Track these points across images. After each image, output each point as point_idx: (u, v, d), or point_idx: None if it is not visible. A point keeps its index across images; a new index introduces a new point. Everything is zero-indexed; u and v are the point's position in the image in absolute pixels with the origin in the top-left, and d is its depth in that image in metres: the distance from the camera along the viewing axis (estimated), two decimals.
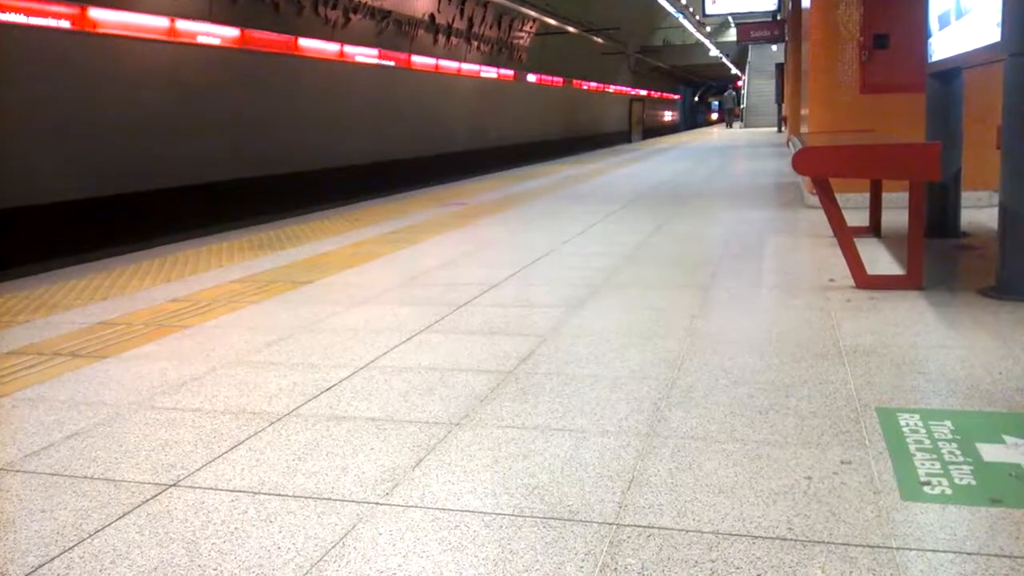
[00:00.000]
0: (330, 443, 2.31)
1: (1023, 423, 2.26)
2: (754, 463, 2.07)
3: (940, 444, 2.13)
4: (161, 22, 12.95)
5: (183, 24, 13.37)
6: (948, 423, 2.27)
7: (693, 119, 76.73)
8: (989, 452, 2.07)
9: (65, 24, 11.29)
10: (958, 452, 2.08)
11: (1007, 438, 2.15)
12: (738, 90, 50.90)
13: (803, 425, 2.30)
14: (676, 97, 69.44)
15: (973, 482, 1.92)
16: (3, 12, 10.40)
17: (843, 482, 1.94)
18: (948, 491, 1.88)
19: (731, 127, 40.99)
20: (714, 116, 77.45)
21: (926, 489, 1.89)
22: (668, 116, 66.24)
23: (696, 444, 2.20)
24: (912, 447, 2.12)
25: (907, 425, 2.27)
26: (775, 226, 6.37)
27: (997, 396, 2.47)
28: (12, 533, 1.86)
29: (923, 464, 2.02)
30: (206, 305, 4.15)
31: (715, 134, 31.71)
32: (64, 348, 3.41)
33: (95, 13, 11.72)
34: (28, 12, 10.75)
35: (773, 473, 2.01)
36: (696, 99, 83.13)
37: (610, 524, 1.79)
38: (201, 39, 13.83)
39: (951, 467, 2.00)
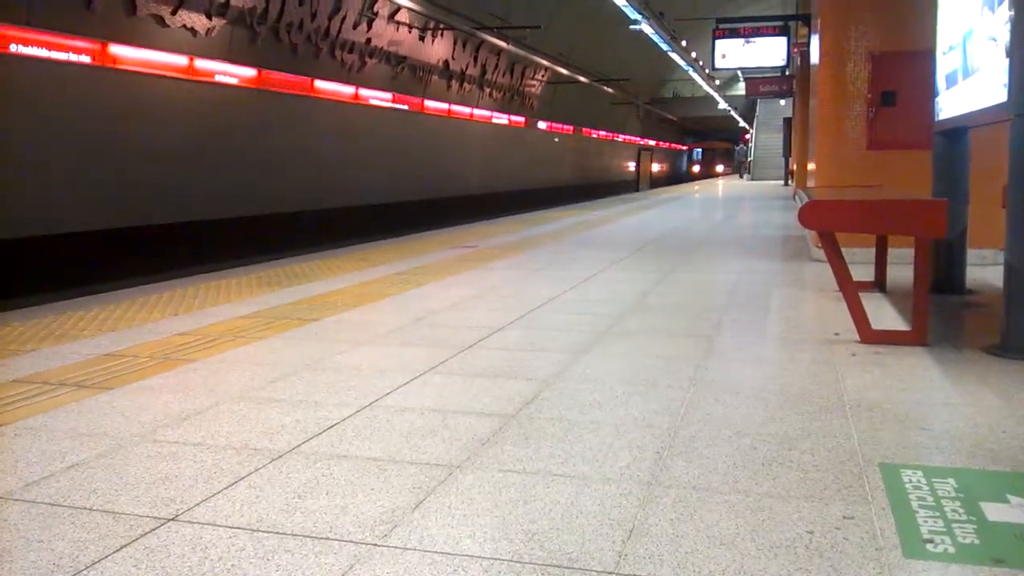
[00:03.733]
0: (330, 482, 2.30)
1: None
2: (756, 515, 2.05)
3: (943, 502, 2.12)
4: (180, 60, 13.18)
5: (202, 63, 13.61)
6: (951, 481, 2.26)
7: (702, 169, 71.03)
8: (993, 511, 2.06)
9: (86, 59, 11.50)
10: (961, 510, 2.07)
11: (1011, 498, 2.14)
12: (746, 143, 51.24)
13: (806, 479, 2.29)
14: (684, 148, 68.62)
15: (976, 541, 1.90)
16: (26, 46, 10.61)
17: (845, 537, 1.93)
18: (951, 550, 1.86)
19: (742, 177, 41.59)
20: (695, 168, 65.82)
21: (929, 547, 1.88)
22: (676, 166, 64.07)
23: (698, 494, 2.19)
24: (915, 504, 2.11)
25: (910, 482, 2.25)
26: (780, 278, 6.39)
27: (1001, 455, 2.46)
28: (8, 563, 1.85)
29: (926, 521, 2.01)
30: (213, 340, 4.17)
31: (720, 186, 31.91)
32: (69, 378, 3.42)
33: (115, 49, 11.94)
34: (50, 47, 10.96)
35: (775, 526, 1.99)
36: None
37: (610, 573, 1.78)
38: (219, 78, 14.07)
39: (954, 525, 1.98)
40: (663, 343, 4.08)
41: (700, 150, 67.60)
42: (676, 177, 61.88)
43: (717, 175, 60.35)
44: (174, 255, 12.79)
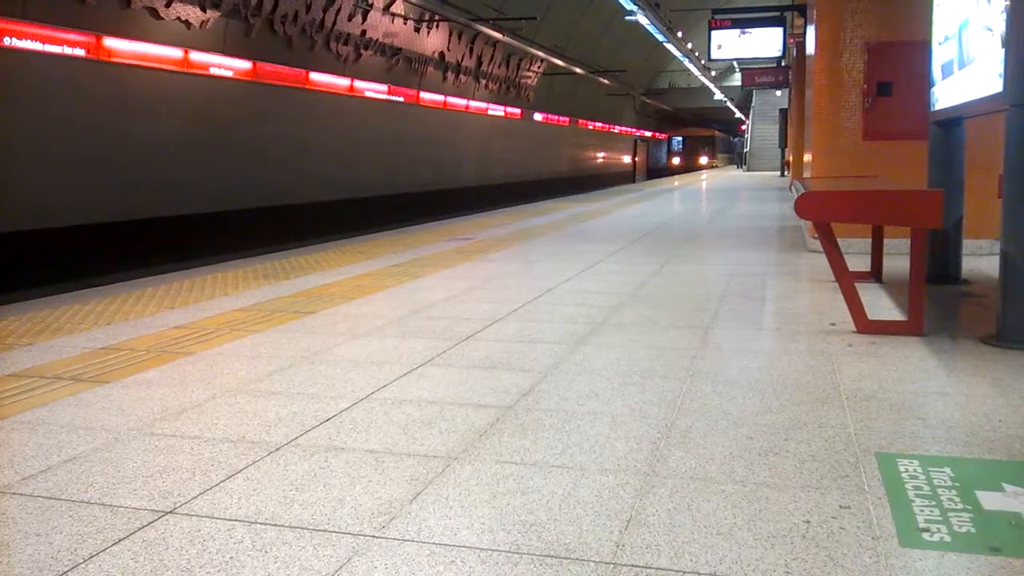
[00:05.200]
0: (328, 474, 2.31)
1: (1023, 472, 2.25)
2: (753, 505, 2.06)
3: (939, 491, 2.13)
4: (175, 53, 13.13)
5: (196, 55, 13.56)
6: (947, 470, 2.27)
7: (682, 161, 56.63)
8: (988, 500, 2.07)
9: (80, 52, 11.45)
10: (957, 499, 2.07)
11: (1007, 486, 2.15)
12: (742, 134, 51.08)
13: (802, 468, 2.30)
14: (663, 136, 63.83)
15: (972, 530, 1.91)
16: (21, 39, 10.56)
17: (842, 527, 1.94)
18: (947, 538, 1.87)
19: (739, 168, 41.71)
20: (675, 160, 54.93)
21: (925, 536, 1.89)
22: (655, 157, 56.44)
23: (695, 484, 2.20)
24: (911, 493, 2.12)
25: (906, 471, 2.26)
26: (777, 269, 6.39)
27: (997, 444, 2.47)
28: (7, 556, 1.85)
29: (922, 511, 2.01)
30: (209, 333, 4.16)
31: (716, 177, 31.92)
32: (66, 372, 3.42)
33: (110, 42, 11.89)
34: (44, 40, 10.91)
35: (772, 516, 2.00)
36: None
37: (607, 563, 1.78)
38: (214, 71, 14.02)
39: (950, 514, 1.99)
40: (660, 334, 4.08)
41: (680, 139, 56.06)
42: (654, 170, 53.55)
43: (701, 167, 51.71)
44: (169, 248, 12.77)
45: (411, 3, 18.90)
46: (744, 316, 4.55)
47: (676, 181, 28.22)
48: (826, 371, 3.34)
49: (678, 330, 4.17)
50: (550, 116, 33.82)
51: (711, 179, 28.70)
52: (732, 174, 34.70)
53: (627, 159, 49.56)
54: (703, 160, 53.58)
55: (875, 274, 5.70)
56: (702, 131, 56.26)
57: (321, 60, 17.02)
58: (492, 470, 2.32)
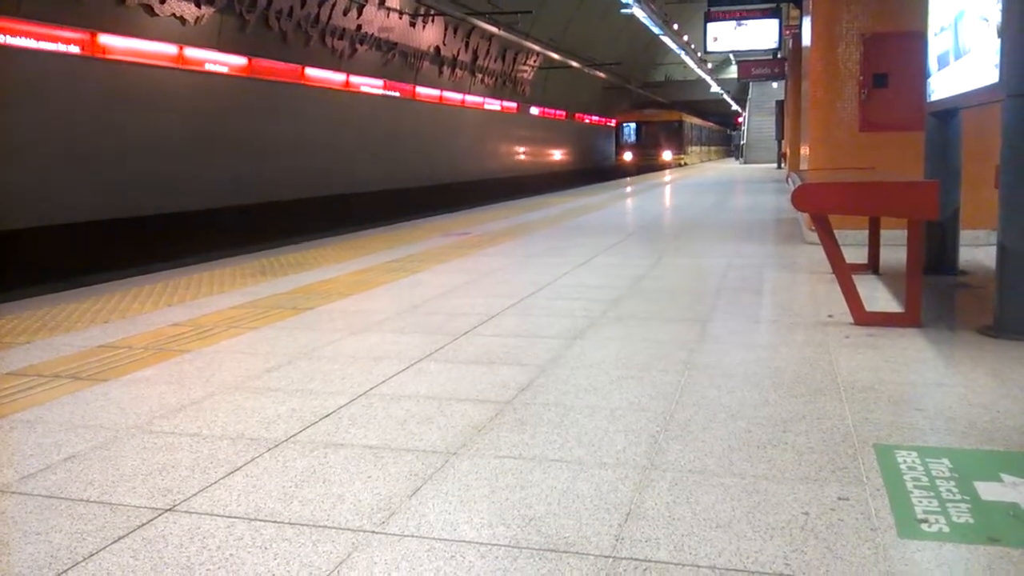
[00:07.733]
0: (327, 470, 2.31)
1: (1021, 462, 2.26)
2: (751, 498, 2.06)
3: (938, 482, 2.13)
4: (169, 49, 13.09)
5: (191, 52, 13.52)
6: (946, 461, 2.27)
7: (636, 156, 41.06)
8: (987, 491, 2.07)
9: (75, 49, 11.42)
10: (956, 490, 2.08)
11: (1005, 477, 2.15)
12: (738, 126, 50.94)
13: (801, 460, 2.30)
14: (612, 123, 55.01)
15: (971, 520, 1.92)
16: (14, 37, 10.52)
17: (840, 519, 1.94)
18: (945, 529, 1.88)
19: (737, 160, 41.63)
20: (627, 156, 40.01)
21: (923, 527, 1.89)
22: (598, 151, 43.80)
23: (694, 478, 2.20)
24: (909, 484, 2.12)
25: (904, 462, 2.27)
26: (774, 261, 6.40)
27: (995, 435, 2.47)
28: (7, 555, 1.85)
29: (920, 502, 2.02)
30: (207, 330, 4.16)
31: (709, 170, 31.90)
32: (64, 370, 3.42)
33: (104, 39, 11.86)
34: (39, 37, 10.88)
35: (770, 508, 2.00)
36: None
37: (606, 557, 1.79)
38: (209, 67, 13.99)
39: (949, 505, 2.00)
40: (657, 328, 4.08)
41: (633, 126, 40.79)
42: (594, 170, 40.12)
43: (663, 164, 38.56)
44: (166, 245, 12.75)
45: None
46: (741, 309, 4.55)
47: (670, 175, 28.21)
48: (824, 363, 3.34)
49: (676, 323, 4.17)
50: (547, 110, 33.78)
51: (707, 172, 28.67)
52: (727, 167, 34.70)
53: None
54: (665, 155, 39.80)
55: (872, 266, 5.70)
56: (662, 116, 41.48)
57: (317, 55, 16.98)
58: (491, 465, 2.32)
